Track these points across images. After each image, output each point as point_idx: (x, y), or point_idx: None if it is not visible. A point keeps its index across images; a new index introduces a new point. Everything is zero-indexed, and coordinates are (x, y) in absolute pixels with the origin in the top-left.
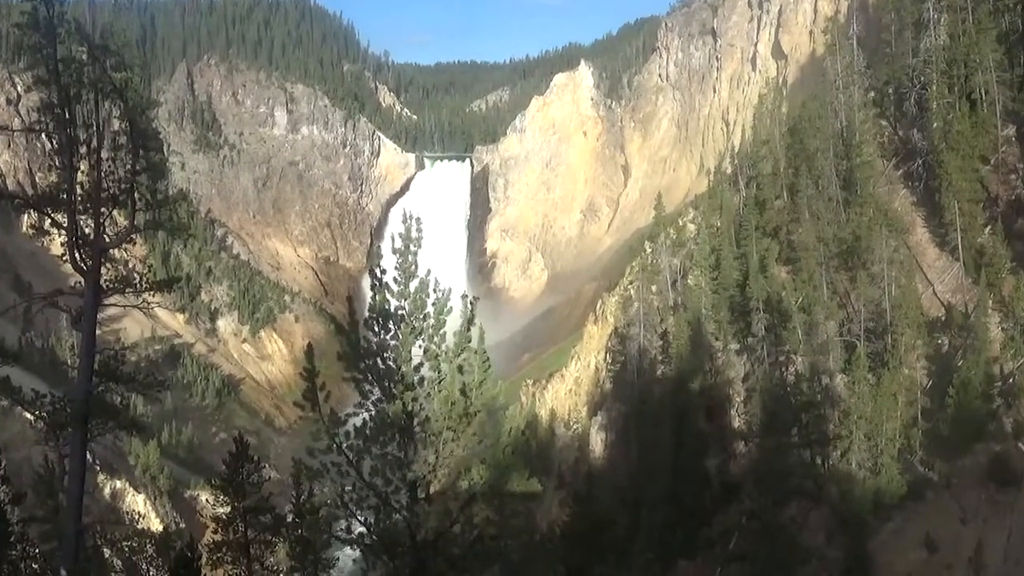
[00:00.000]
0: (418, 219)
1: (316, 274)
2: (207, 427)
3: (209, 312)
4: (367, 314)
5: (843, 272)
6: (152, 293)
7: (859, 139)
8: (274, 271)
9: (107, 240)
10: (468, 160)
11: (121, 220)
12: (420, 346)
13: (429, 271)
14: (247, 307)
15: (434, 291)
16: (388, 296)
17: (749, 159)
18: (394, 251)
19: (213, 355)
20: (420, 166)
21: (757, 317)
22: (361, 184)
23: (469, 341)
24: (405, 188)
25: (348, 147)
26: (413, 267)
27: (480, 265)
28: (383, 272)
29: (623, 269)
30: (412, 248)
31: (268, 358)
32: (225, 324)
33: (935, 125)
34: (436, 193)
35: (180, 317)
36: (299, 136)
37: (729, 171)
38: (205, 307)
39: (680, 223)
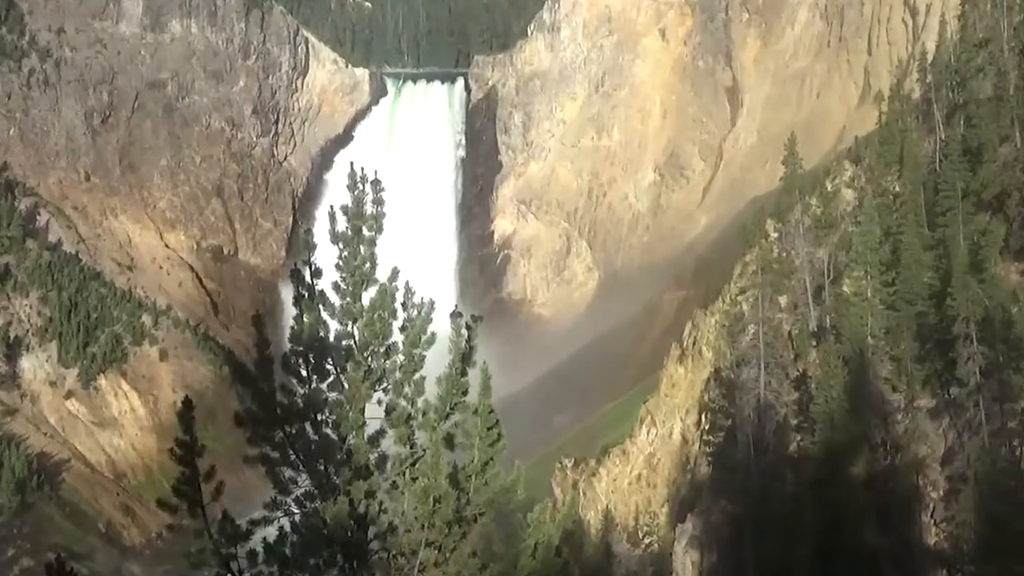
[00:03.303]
0: (376, 181)
1: (198, 278)
2: None
3: (6, 345)
4: (289, 347)
5: None
6: None
7: None
8: (124, 272)
9: None
10: (462, 80)
11: None
12: (380, 401)
13: (396, 272)
14: (74, 336)
15: (404, 307)
16: (325, 315)
17: (953, 75)
18: (335, 238)
19: (12, 421)
20: (379, 91)
21: (967, 351)
22: (276, 122)
23: (464, 393)
24: (353, 128)
25: (253, 57)
26: (368, 265)
27: (484, 261)
28: (316, 274)
29: (729, 268)
30: (366, 232)
31: (112, 424)
32: (35, 366)
33: None
34: (407, 137)
35: None
36: (165, 37)
37: (917, 95)
38: None
39: (829, 187)
